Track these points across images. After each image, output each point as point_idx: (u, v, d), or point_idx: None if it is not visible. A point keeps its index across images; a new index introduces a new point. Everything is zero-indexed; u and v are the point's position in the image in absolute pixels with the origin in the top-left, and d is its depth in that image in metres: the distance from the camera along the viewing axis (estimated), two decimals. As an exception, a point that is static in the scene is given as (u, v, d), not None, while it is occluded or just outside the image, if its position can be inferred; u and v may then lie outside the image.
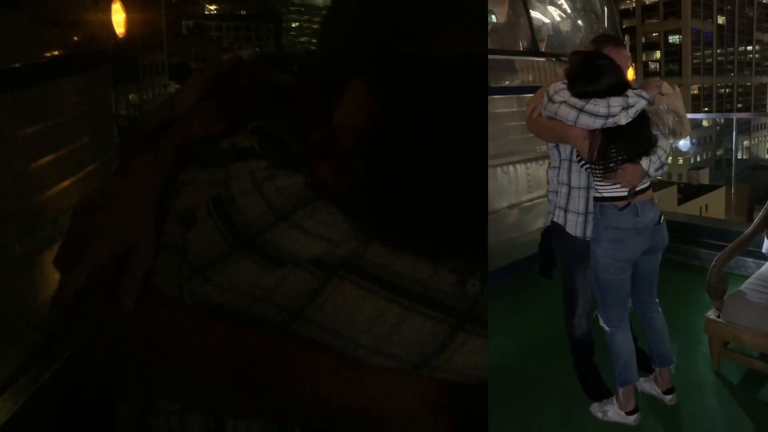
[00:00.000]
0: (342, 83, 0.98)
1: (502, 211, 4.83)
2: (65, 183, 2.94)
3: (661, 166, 3.04)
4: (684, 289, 4.54)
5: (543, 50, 5.40)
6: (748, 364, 3.69)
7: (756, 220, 4.09)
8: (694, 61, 73.42)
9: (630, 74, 3.20)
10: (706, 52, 74.93)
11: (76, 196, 3.00)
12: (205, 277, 0.97)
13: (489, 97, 4.59)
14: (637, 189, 3.00)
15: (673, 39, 73.10)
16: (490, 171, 4.56)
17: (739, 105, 76.88)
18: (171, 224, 1.00)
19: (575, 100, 2.89)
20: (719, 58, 76.34)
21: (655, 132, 3.02)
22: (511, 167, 4.85)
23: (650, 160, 2.97)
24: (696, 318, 4.02)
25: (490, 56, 4.84)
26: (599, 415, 3.31)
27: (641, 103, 2.89)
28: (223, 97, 1.16)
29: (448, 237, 0.96)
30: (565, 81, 3.00)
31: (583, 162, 3.03)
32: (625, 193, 2.98)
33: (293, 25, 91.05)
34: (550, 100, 2.99)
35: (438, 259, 0.96)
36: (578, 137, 2.96)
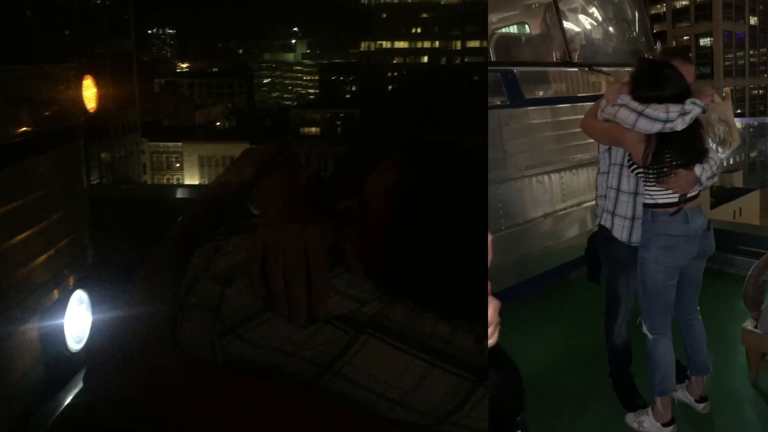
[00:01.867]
0: (372, 163, 1.13)
1: (537, 220, 4.89)
2: (37, 261, 2.94)
3: (713, 176, 3.08)
4: (718, 298, 4.48)
5: (576, 60, 5.41)
6: None
7: None
8: (726, 63, 72.85)
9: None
10: (738, 53, 74.33)
11: (49, 273, 3.01)
12: (238, 335, 1.01)
13: (524, 108, 4.72)
14: (688, 196, 3.04)
15: (705, 42, 72.77)
16: (525, 180, 4.67)
17: None
18: (205, 285, 1.06)
19: (635, 104, 2.97)
20: (752, 60, 75.64)
21: (707, 141, 3.07)
22: (545, 177, 4.89)
23: (703, 168, 3.01)
24: (731, 328, 3.98)
25: (524, 68, 4.93)
26: (635, 425, 3.30)
27: (696, 110, 2.94)
28: (279, 177, 1.27)
29: (460, 299, 1.06)
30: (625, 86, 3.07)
31: (634, 167, 3.08)
32: (676, 199, 3.03)
33: (265, 81, 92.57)
34: (611, 103, 3.06)
35: (452, 319, 1.04)
36: (634, 141, 3.03)
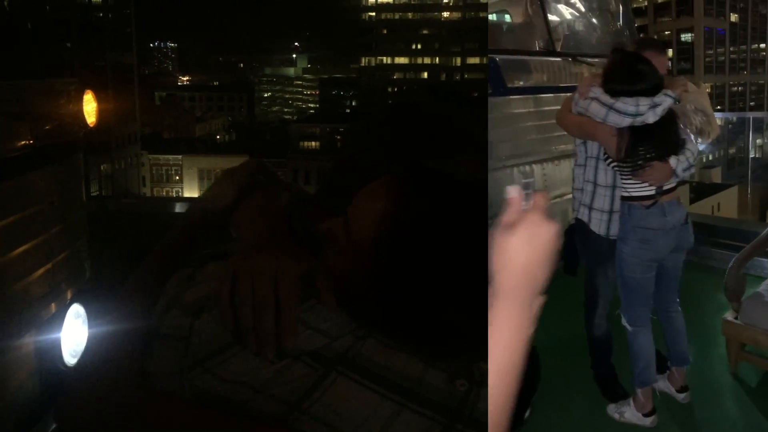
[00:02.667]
0: (359, 183, 1.05)
1: None
2: (35, 275, 2.95)
3: (689, 167, 3.06)
4: (699, 290, 4.53)
5: (559, 50, 5.36)
6: (766, 367, 3.68)
7: None
8: (707, 59, 73.20)
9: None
10: (718, 50, 74.75)
11: (46, 287, 3.02)
12: (206, 368, 0.97)
13: (506, 97, 4.61)
14: (664, 188, 3.03)
15: (686, 37, 73.15)
16: (507, 171, 4.53)
17: (752, 103, 76.64)
18: (175, 316, 1.02)
19: (606, 98, 2.94)
20: (732, 56, 76.14)
21: (682, 133, 3.04)
22: (527, 167, 4.79)
23: (678, 160, 2.99)
24: (712, 319, 4.02)
25: (506, 57, 4.84)
26: (616, 416, 3.31)
27: (668, 102, 2.92)
28: (257, 199, 1.22)
29: (442, 338, 1.00)
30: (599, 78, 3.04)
31: (610, 160, 3.06)
32: (653, 192, 3.02)
33: (265, 95, 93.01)
34: (583, 96, 3.04)
35: (430, 359, 0.99)
36: (606, 135, 3.00)
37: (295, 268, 1.02)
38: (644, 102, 2.88)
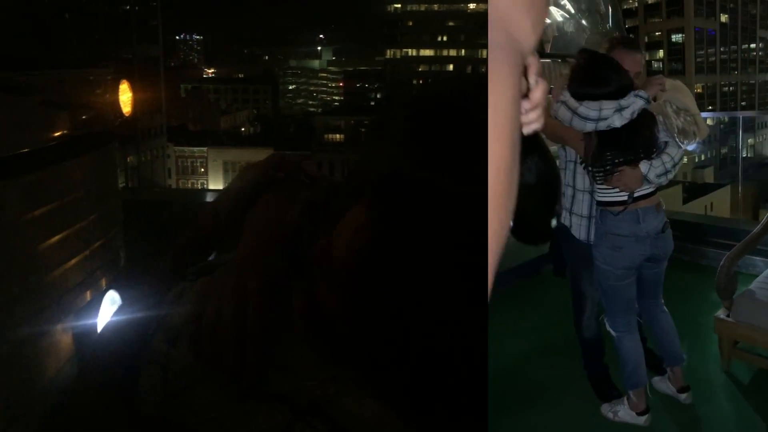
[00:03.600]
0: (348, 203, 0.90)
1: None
2: (72, 262, 3.00)
3: (665, 173, 2.94)
4: (691, 289, 4.53)
5: (548, 51, 5.36)
6: (759, 364, 3.67)
7: (764, 219, 4.04)
8: (698, 59, 73.43)
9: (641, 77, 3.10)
10: (709, 50, 74.96)
11: (83, 274, 3.07)
12: (181, 400, 0.90)
13: None
14: (639, 194, 2.94)
15: (676, 38, 73.19)
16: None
17: (743, 103, 76.76)
18: (158, 339, 0.94)
19: (572, 102, 2.84)
20: (722, 57, 76.29)
21: (664, 136, 2.94)
22: None
23: (651, 165, 2.88)
24: (704, 318, 4.03)
25: None
26: (610, 415, 3.30)
27: (638, 103, 2.79)
28: (264, 204, 1.07)
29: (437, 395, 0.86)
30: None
31: (584, 164, 3.01)
32: (624, 198, 2.93)
33: (290, 87, 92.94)
34: (555, 99, 2.94)
35: (412, 416, 0.86)
36: (574, 139, 2.96)
37: (270, 296, 0.92)
38: (609, 105, 2.76)
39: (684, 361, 3.38)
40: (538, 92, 0.79)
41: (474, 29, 72.29)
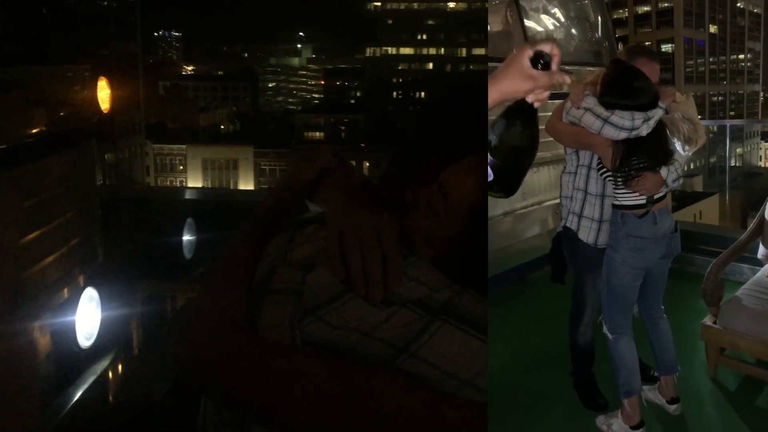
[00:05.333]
0: (443, 161, 1.18)
1: (496, 219, 4.80)
2: (50, 258, 2.99)
3: (678, 178, 3.09)
4: (679, 296, 4.53)
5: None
6: (746, 372, 3.69)
7: (750, 227, 4.08)
8: (687, 69, 75.22)
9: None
10: (698, 60, 76.85)
11: (61, 271, 3.06)
12: (318, 317, 1.08)
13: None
14: (655, 198, 3.04)
15: (666, 48, 74.64)
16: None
17: (732, 113, 78.48)
18: (286, 271, 1.14)
19: (601, 110, 2.92)
20: (711, 67, 78.18)
21: (672, 143, 3.05)
22: None
23: (668, 170, 3.02)
24: (691, 325, 4.05)
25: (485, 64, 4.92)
26: (604, 428, 3.29)
27: (659, 113, 2.93)
28: (339, 176, 1.34)
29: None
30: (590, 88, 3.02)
31: (603, 170, 3.07)
32: (644, 201, 3.03)
33: (270, 84, 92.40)
34: (575, 104, 3.01)
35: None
36: (602, 145, 3.01)
37: (392, 222, 1.15)
38: (639, 116, 2.88)
39: (678, 370, 3.39)
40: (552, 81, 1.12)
41: (453, 27, 72.36)
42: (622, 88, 2.95)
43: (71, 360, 3.13)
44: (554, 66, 1.14)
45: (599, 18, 6.35)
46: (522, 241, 4.95)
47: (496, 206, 4.77)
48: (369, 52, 76.04)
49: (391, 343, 1.05)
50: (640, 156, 2.97)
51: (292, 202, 1.34)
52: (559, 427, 3.42)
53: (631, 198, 3.05)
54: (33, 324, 2.93)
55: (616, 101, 2.92)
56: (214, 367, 1.12)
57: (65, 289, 3.24)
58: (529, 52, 1.14)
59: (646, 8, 76.01)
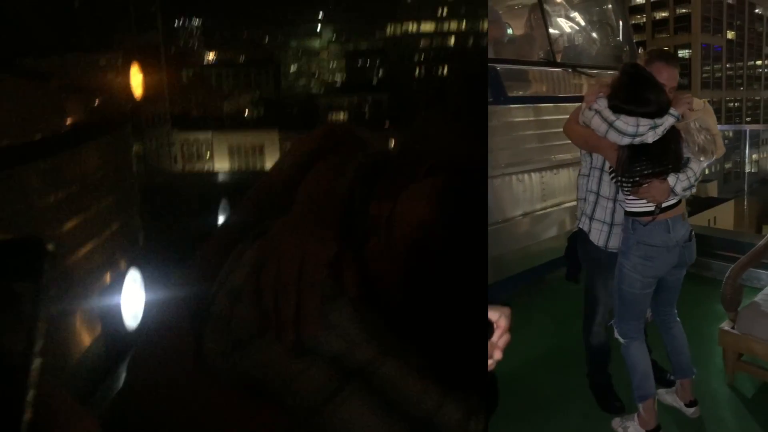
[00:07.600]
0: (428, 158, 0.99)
1: (516, 220, 4.79)
2: (90, 245, 3.03)
3: (690, 187, 2.99)
4: (696, 301, 4.49)
5: (559, 61, 5.39)
6: (764, 378, 3.62)
7: None
8: (704, 75, 74.73)
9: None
10: (715, 66, 76.26)
11: (102, 256, 3.10)
12: (244, 353, 0.96)
13: (506, 106, 4.61)
14: (666, 205, 2.97)
15: (683, 53, 74.01)
16: (505, 179, 4.57)
17: (748, 119, 77.53)
18: (221, 296, 1.01)
19: (608, 113, 2.88)
20: (728, 73, 77.73)
21: (686, 152, 2.97)
22: (525, 175, 4.81)
23: (678, 178, 2.93)
24: (708, 330, 3.99)
25: (507, 66, 4.83)
26: (620, 431, 3.26)
27: (669, 121, 2.85)
28: (315, 173, 1.15)
29: (460, 368, 0.96)
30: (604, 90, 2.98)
31: (613, 174, 3.02)
32: (651, 209, 2.96)
33: (292, 69, 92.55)
34: (588, 105, 2.98)
35: (447, 391, 0.93)
36: (609, 148, 2.96)
37: (323, 256, 0.97)
38: (645, 123, 2.82)
39: (694, 373, 3.36)
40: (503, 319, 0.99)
41: (473, 1, 71.62)
42: (629, 94, 2.91)
43: (120, 340, 3.18)
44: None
45: (620, 22, 6.30)
46: (541, 241, 4.93)
47: (516, 206, 4.76)
48: (390, 30, 75.64)
49: (305, 399, 0.93)
50: (645, 163, 2.91)
51: (273, 199, 1.17)
52: (575, 428, 3.41)
53: (638, 205, 3.00)
54: (80, 308, 2.98)
55: (622, 106, 2.89)
56: (149, 393, 1.05)
57: (109, 272, 3.29)
58: None
59: (664, 14, 75.56)
